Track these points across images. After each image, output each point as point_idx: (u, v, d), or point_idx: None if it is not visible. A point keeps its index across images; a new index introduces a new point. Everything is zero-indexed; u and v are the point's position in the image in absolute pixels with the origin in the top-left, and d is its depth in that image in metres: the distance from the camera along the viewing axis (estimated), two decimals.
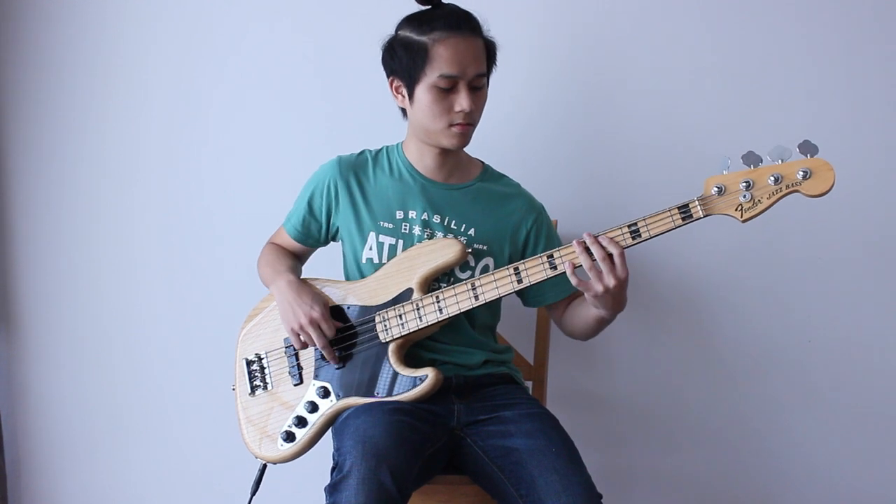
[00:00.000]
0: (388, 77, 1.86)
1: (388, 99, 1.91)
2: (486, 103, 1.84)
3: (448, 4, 1.83)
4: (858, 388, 2.30)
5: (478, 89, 1.80)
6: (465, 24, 1.78)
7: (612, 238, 1.66)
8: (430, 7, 1.82)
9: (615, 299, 1.68)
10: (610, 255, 1.64)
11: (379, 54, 1.88)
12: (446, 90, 1.77)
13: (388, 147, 1.96)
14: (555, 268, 1.71)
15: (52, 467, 2.46)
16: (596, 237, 1.65)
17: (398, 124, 1.94)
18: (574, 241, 1.67)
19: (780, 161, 1.61)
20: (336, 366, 1.82)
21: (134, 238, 2.40)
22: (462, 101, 1.77)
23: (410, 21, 1.81)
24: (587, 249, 1.66)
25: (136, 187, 2.39)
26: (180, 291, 2.40)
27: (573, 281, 1.66)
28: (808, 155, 1.58)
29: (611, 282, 1.64)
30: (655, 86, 2.27)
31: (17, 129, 2.39)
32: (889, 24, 2.22)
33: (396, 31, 1.84)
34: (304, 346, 1.83)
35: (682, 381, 2.34)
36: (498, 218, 1.90)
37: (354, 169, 1.92)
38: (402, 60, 1.79)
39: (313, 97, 2.34)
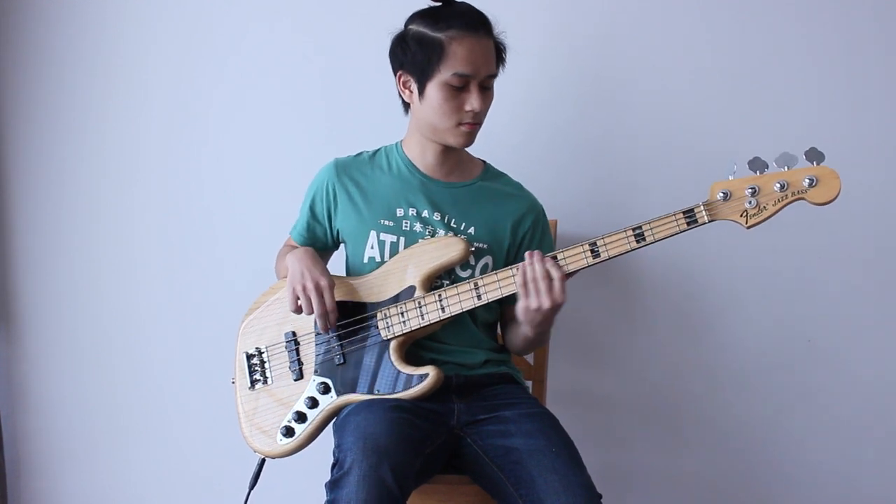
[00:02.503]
0: (395, 71, 1.85)
1: (388, 99, 1.91)
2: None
3: (461, 3, 1.83)
4: (858, 388, 2.30)
5: (487, 89, 1.81)
6: (481, 24, 1.78)
7: (557, 263, 1.68)
8: (442, 4, 1.81)
9: (542, 320, 1.70)
10: (550, 277, 1.66)
11: (379, 54, 1.87)
12: (458, 88, 1.77)
13: (386, 147, 1.96)
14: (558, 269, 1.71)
15: (51, 467, 2.46)
16: (543, 257, 1.68)
17: (399, 124, 1.94)
18: (526, 253, 1.70)
19: (785, 168, 1.60)
20: (337, 361, 1.82)
21: (134, 238, 2.40)
22: (473, 101, 1.77)
23: (424, 17, 1.80)
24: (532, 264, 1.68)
25: (136, 187, 2.39)
26: (180, 291, 2.40)
27: (518, 281, 1.68)
28: (815, 162, 1.58)
29: (546, 302, 1.66)
30: (657, 87, 2.27)
31: (17, 129, 2.39)
32: (889, 24, 2.22)
33: (408, 25, 1.83)
34: (299, 310, 1.81)
35: (683, 381, 2.34)
36: (498, 216, 1.90)
37: (351, 170, 1.92)
38: (414, 55, 1.79)
39: (313, 97, 2.34)
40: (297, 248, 1.97)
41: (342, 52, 2.32)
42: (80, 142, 2.39)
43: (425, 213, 1.87)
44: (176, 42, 2.36)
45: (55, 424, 2.45)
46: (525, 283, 1.68)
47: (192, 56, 2.36)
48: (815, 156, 1.58)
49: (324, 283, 1.78)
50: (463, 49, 1.75)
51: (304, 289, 1.78)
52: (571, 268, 1.71)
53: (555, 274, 1.66)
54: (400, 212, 1.87)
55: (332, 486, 1.57)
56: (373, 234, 1.87)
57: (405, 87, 1.84)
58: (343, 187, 1.91)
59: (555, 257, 1.71)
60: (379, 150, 1.96)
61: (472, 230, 1.87)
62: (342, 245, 1.98)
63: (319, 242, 1.98)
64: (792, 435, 2.33)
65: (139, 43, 2.36)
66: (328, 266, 2.03)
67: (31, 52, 2.37)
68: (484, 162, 1.98)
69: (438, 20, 1.77)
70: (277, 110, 2.35)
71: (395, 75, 1.85)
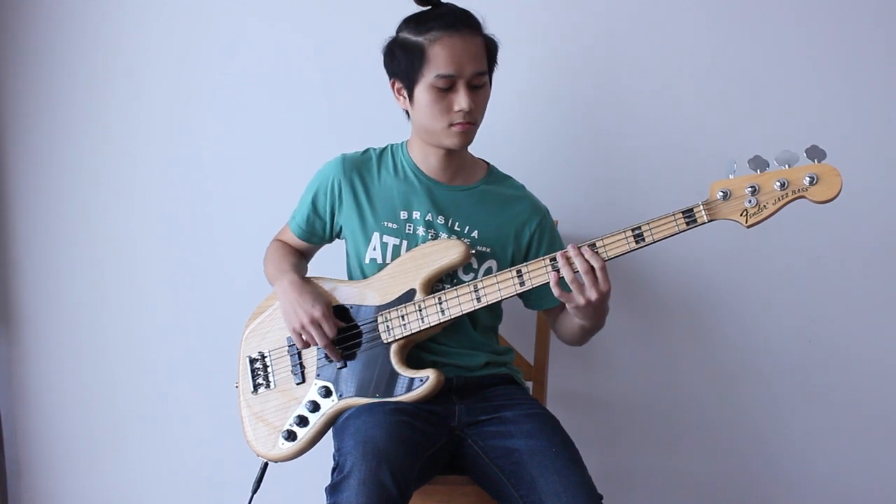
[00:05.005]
0: (390, 79, 1.85)
1: (389, 97, 1.91)
2: (488, 102, 1.83)
3: (446, 4, 1.82)
4: (858, 388, 2.31)
5: (478, 88, 1.78)
6: (462, 22, 1.76)
7: (595, 251, 1.65)
8: (428, 7, 1.81)
9: (596, 311, 1.70)
10: (592, 269, 1.64)
11: (379, 52, 1.87)
12: (445, 90, 1.76)
13: (392, 146, 1.95)
14: (557, 270, 1.71)
15: (52, 467, 2.46)
16: (580, 249, 1.65)
17: (400, 123, 1.94)
18: (557, 253, 1.67)
19: (786, 166, 1.59)
20: (338, 365, 1.82)
21: (134, 238, 2.40)
22: (461, 101, 1.76)
23: (409, 22, 1.80)
24: (570, 262, 1.66)
25: (137, 187, 2.39)
26: (181, 291, 2.40)
27: (555, 292, 1.67)
28: (816, 160, 1.57)
29: (592, 295, 1.65)
30: (658, 87, 2.27)
31: (17, 129, 2.38)
32: (889, 24, 2.22)
33: (397, 32, 1.83)
34: (307, 345, 1.82)
35: (682, 382, 2.35)
36: (502, 220, 1.90)
37: (358, 168, 1.91)
38: (400, 62, 1.79)
39: (314, 96, 2.33)
40: (281, 248, 1.98)
41: (342, 51, 2.31)
42: (81, 141, 2.38)
43: (429, 217, 1.87)
44: (176, 42, 2.35)
45: (55, 424, 2.45)
46: (566, 284, 1.66)
47: (192, 55, 2.35)
48: (815, 153, 1.56)
49: (317, 313, 1.79)
50: (444, 50, 1.74)
51: (303, 326, 1.80)
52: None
53: (596, 264, 1.64)
54: (404, 215, 1.87)
55: (333, 489, 1.57)
56: (376, 235, 1.87)
57: (399, 94, 1.84)
58: (349, 185, 1.90)
59: (554, 258, 1.69)
60: (386, 148, 1.95)
61: (475, 234, 1.87)
62: (340, 242, 1.98)
63: (317, 236, 1.97)
64: (792, 435, 2.33)
65: (139, 43, 2.36)
66: (315, 256, 2.05)
67: (30, 52, 2.36)
68: (488, 164, 1.97)
69: (420, 24, 1.77)
70: (278, 110, 2.35)
71: (390, 83, 1.85)
